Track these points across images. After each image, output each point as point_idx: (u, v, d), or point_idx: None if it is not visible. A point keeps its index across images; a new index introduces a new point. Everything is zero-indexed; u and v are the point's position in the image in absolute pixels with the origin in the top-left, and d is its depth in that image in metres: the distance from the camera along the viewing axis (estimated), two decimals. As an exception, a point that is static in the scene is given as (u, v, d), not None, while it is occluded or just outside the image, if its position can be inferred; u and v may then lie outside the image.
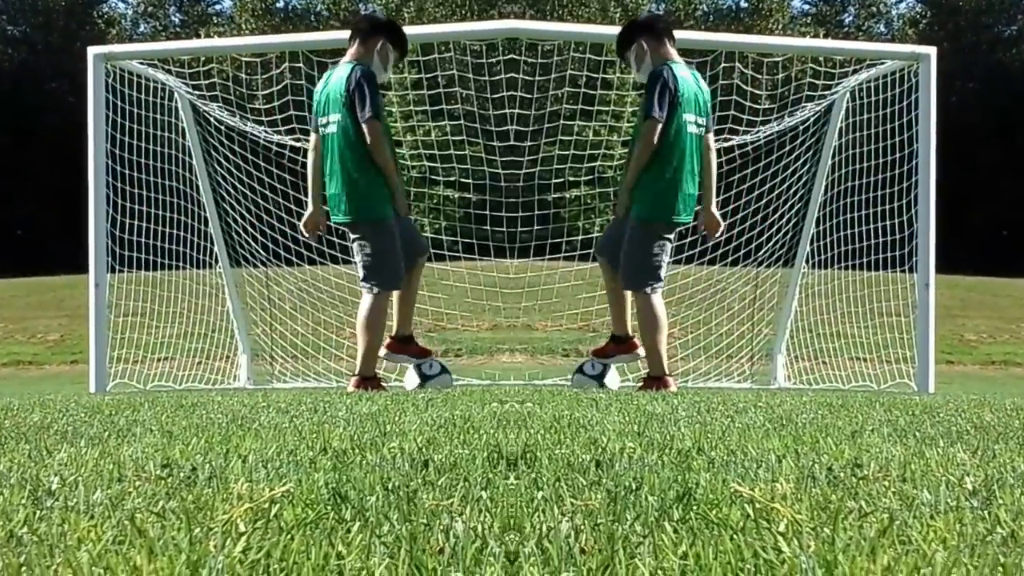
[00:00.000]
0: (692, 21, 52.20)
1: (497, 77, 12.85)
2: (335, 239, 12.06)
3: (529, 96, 13.33)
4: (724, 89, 12.84)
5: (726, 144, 12.35)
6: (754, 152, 12.59)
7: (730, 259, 13.18)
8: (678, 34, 8.60)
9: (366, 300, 8.07)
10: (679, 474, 2.57)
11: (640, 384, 8.47)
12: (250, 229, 12.13)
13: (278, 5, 55.65)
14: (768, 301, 13.15)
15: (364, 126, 7.78)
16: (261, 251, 12.26)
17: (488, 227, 13.24)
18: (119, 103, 10.75)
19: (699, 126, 7.91)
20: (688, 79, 7.91)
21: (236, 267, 12.29)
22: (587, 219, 15.81)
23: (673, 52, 8.05)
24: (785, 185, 12.32)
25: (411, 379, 8.80)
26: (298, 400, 6.39)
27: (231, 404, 6.02)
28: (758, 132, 12.21)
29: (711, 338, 13.48)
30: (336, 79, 7.93)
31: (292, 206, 12.36)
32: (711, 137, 8.14)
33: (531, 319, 14.89)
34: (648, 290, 8.04)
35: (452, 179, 13.68)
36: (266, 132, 12.06)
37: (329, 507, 2.05)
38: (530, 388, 9.55)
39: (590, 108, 13.93)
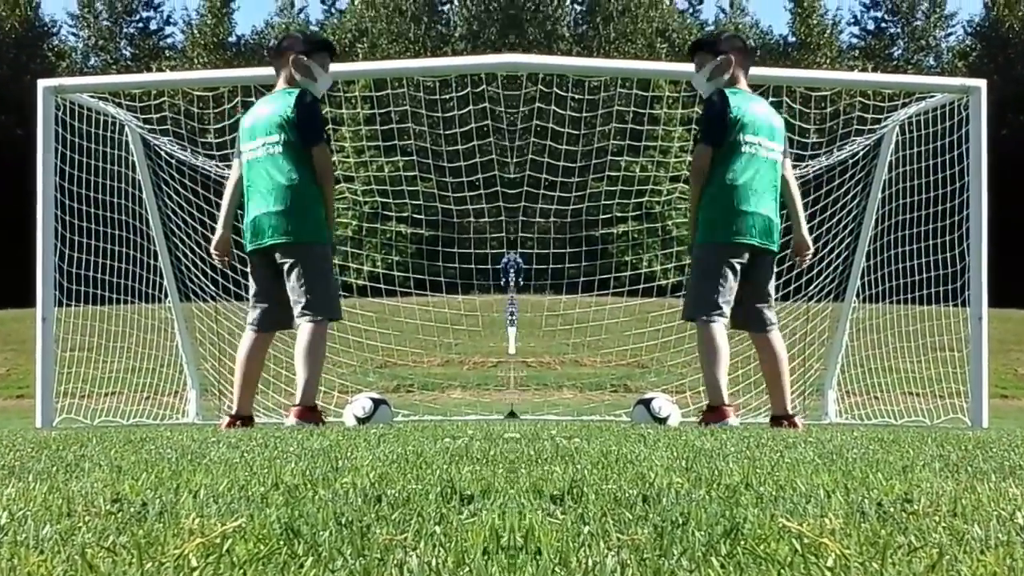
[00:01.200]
0: (740, 56, 52.15)
1: (450, 113, 12.87)
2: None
3: (576, 132, 13.37)
4: (772, 123, 12.83)
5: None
6: (803, 186, 12.54)
7: (780, 294, 13.11)
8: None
9: (307, 329, 7.53)
10: (727, 509, 2.55)
11: (700, 416, 8.30)
12: (199, 263, 11.99)
13: (230, 39, 55.76)
14: (819, 336, 13.05)
15: (316, 150, 7.51)
16: (211, 285, 12.10)
17: (440, 263, 13.21)
18: (69, 136, 10.63)
19: (769, 149, 7.66)
20: (747, 104, 7.71)
21: (186, 301, 12.15)
22: (635, 255, 15.80)
23: (743, 80, 7.87)
24: (835, 219, 12.26)
25: (349, 418, 8.66)
26: (248, 435, 6.30)
27: (180, 439, 5.96)
28: (807, 166, 12.17)
29: (760, 374, 13.39)
30: (276, 105, 7.56)
31: (242, 240, 12.42)
32: (788, 163, 7.92)
33: (579, 355, 14.89)
34: (705, 318, 7.69)
35: (404, 214, 13.67)
36: (218, 166, 11.91)
37: (282, 542, 2.03)
38: (578, 423, 9.54)
39: (637, 143, 13.98)
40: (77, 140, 10.81)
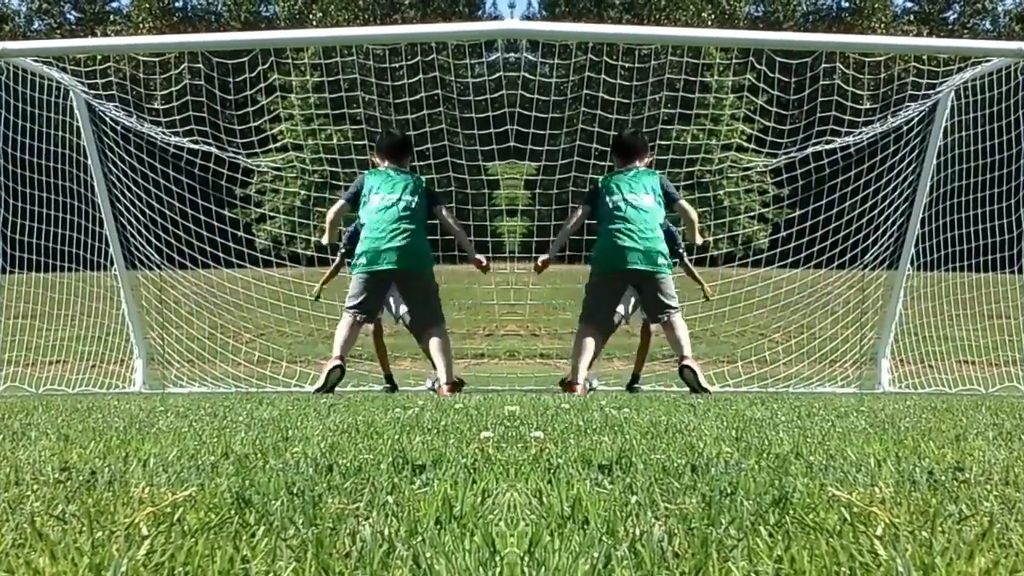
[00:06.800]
0: (791, 22, 51.65)
1: (400, 82, 12.76)
2: (230, 244, 12.25)
3: (626, 101, 13.29)
4: (825, 90, 12.68)
5: (828, 146, 12.19)
6: (857, 154, 12.42)
7: (836, 263, 13.00)
8: (778, 35, 8.61)
9: (442, 330, 9.64)
10: (776, 478, 2.55)
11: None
12: (144, 232, 11.89)
13: (177, 4, 54.90)
14: (873, 304, 12.94)
15: (446, 214, 9.80)
16: (156, 254, 12.02)
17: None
18: (12, 101, 10.48)
19: (634, 200, 9.58)
20: (621, 177, 9.68)
21: (132, 269, 12.01)
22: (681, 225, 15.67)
23: (632, 162, 9.74)
24: (891, 187, 12.12)
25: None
26: (197, 404, 6.34)
27: (128, 408, 5.97)
28: (861, 133, 12.03)
29: (815, 343, 13.30)
30: (405, 177, 9.69)
31: (188, 209, 12.11)
32: (682, 203, 9.84)
33: (631, 325, 14.78)
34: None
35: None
36: (163, 133, 11.83)
37: (233, 511, 2.03)
38: (627, 393, 9.53)
39: (688, 112, 13.86)
40: (21, 105, 10.66)
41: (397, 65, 12.70)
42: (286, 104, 16.85)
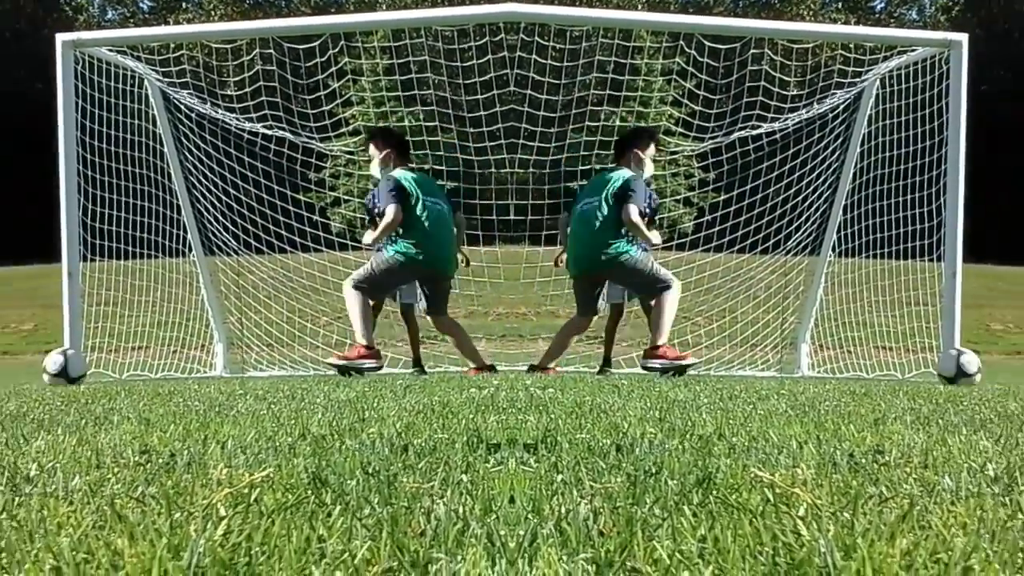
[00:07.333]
0: (722, 7, 52.02)
1: (469, 63, 12.83)
2: (306, 228, 12.38)
3: (557, 82, 13.29)
4: (752, 75, 12.78)
5: (754, 132, 12.30)
6: (782, 140, 12.54)
7: (759, 248, 13.13)
8: (708, 20, 8.70)
9: (452, 320, 9.93)
10: (699, 459, 2.57)
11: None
12: (221, 218, 12.01)
13: None
14: (794, 290, 13.10)
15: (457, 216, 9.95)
16: (232, 240, 12.14)
17: (462, 214, 13.18)
18: (88, 90, 10.51)
19: (588, 204, 9.51)
20: (590, 183, 9.75)
21: (210, 255, 12.15)
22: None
23: (617, 161, 9.76)
24: (814, 174, 12.26)
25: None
26: (275, 387, 6.40)
27: (208, 392, 6.03)
28: (786, 120, 12.15)
29: (736, 327, 13.45)
30: (432, 181, 9.99)
31: (263, 195, 12.25)
32: (628, 207, 9.29)
33: (555, 307, 14.87)
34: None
35: (426, 166, 13.60)
36: (237, 119, 11.93)
37: (309, 491, 2.05)
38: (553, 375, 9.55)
39: (617, 94, 13.88)
40: (97, 94, 10.70)
41: (466, 46, 12.66)
42: (357, 88, 16.81)
